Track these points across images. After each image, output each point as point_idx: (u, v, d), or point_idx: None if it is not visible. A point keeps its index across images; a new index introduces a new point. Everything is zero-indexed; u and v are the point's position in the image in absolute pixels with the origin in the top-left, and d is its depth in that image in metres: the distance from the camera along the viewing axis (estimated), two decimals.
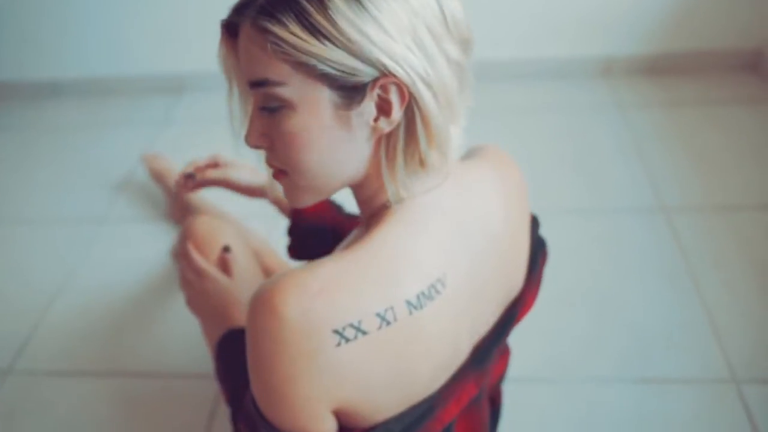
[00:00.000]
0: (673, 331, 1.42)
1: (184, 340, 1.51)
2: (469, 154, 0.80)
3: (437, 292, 0.62)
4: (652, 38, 2.31)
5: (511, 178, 0.78)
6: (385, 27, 0.54)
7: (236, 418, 0.82)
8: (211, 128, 2.33)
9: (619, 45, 2.34)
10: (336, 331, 0.56)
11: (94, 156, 2.23)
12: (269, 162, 0.65)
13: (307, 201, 0.67)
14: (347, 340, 0.57)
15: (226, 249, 1.08)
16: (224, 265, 1.07)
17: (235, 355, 0.89)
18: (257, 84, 0.58)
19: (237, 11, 0.59)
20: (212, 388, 1.39)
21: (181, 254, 1.07)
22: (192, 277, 1.03)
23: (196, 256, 1.04)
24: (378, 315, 0.58)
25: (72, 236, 1.87)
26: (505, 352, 0.95)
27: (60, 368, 1.47)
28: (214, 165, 1.12)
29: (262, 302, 0.57)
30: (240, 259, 1.08)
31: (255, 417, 0.61)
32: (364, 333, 0.57)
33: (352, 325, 0.57)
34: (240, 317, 0.97)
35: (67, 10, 2.40)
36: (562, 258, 1.46)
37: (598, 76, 2.38)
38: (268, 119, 0.61)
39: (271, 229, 1.78)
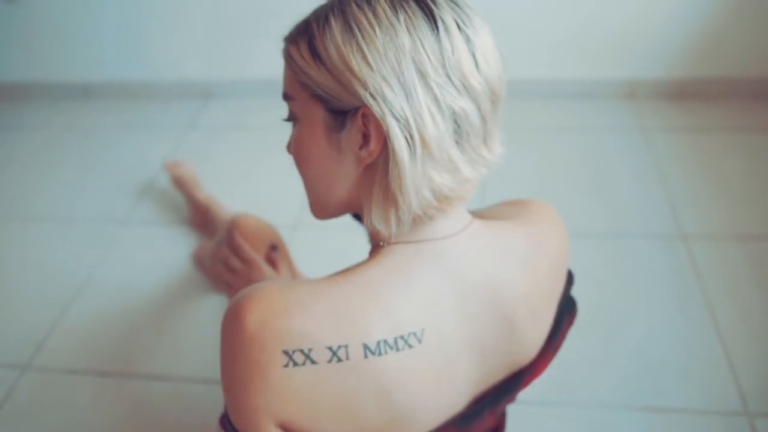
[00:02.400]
0: (686, 359, 1.41)
1: (199, 345, 1.53)
2: (508, 210, 0.77)
3: (408, 345, 0.62)
4: (678, 63, 2.30)
5: (547, 250, 0.74)
6: (367, 58, 0.57)
7: None
8: (236, 135, 2.37)
9: (645, 68, 2.34)
10: (285, 352, 0.58)
11: (121, 158, 2.27)
12: (298, 171, 0.70)
13: (318, 213, 0.72)
14: (295, 363, 0.58)
15: (273, 248, 1.11)
16: (271, 263, 1.10)
17: None
18: (283, 97, 0.66)
19: (285, 38, 0.66)
20: (222, 394, 1.40)
21: (227, 243, 1.10)
22: (238, 265, 1.06)
23: (245, 245, 1.07)
24: (329, 349, 0.59)
25: (94, 236, 1.91)
26: (498, 415, 0.92)
27: (77, 366, 1.50)
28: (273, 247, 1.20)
29: (233, 307, 0.60)
30: (284, 259, 1.12)
31: (225, 410, 0.65)
32: (313, 362, 0.59)
33: (302, 351, 0.58)
34: None
35: (101, 14, 2.46)
36: (578, 281, 1.45)
37: (623, 98, 2.38)
38: (292, 131, 0.68)
39: (290, 239, 1.80)
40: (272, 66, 2.40)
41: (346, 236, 1.55)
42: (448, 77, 0.58)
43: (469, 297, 0.66)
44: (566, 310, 0.82)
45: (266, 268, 1.06)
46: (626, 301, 1.56)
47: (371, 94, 0.57)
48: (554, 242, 0.75)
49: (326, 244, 1.77)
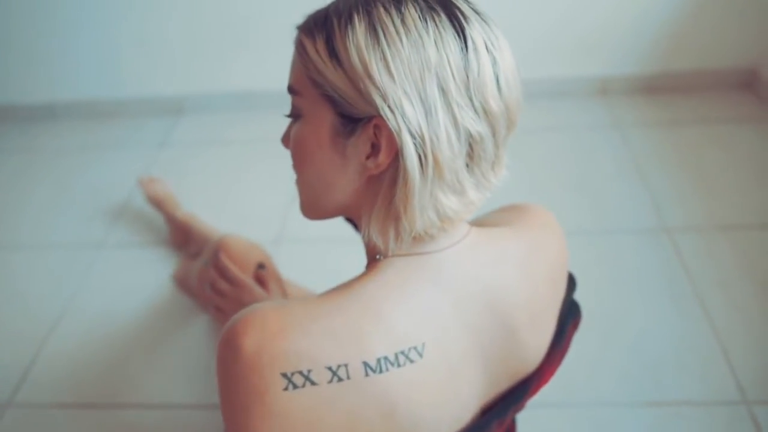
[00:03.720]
0: (683, 352, 1.41)
1: (187, 369, 1.48)
2: (506, 216, 0.76)
3: (410, 360, 0.60)
4: (648, 58, 2.33)
5: (545, 255, 0.72)
6: (390, 69, 0.54)
7: None
8: (210, 150, 2.32)
9: (616, 65, 2.36)
10: (284, 375, 0.56)
11: (92, 179, 2.21)
12: (293, 166, 0.68)
13: (308, 213, 0.69)
14: (295, 386, 0.56)
15: (261, 266, 1.09)
16: (259, 282, 1.08)
17: None
18: (288, 90, 0.63)
19: (299, 26, 0.63)
20: (216, 418, 1.37)
21: (214, 265, 1.07)
22: (226, 288, 1.03)
23: (232, 267, 1.04)
24: (329, 369, 0.57)
25: (70, 262, 1.85)
26: (507, 426, 0.92)
27: (61, 400, 1.45)
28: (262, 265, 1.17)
29: (228, 333, 0.58)
30: (273, 277, 1.10)
31: None
32: (314, 383, 0.57)
33: (301, 373, 0.56)
34: None
35: (65, 32, 2.40)
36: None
37: (595, 95, 2.40)
38: (292, 125, 0.65)
39: (272, 254, 1.76)
40: (243, 79, 2.39)
41: (330, 249, 1.53)
42: (470, 99, 0.56)
43: (467, 306, 0.65)
44: (570, 314, 0.80)
45: (256, 288, 1.03)
46: (619, 298, 1.56)
47: (390, 107, 0.54)
48: (552, 247, 0.74)
49: (309, 257, 1.74)
